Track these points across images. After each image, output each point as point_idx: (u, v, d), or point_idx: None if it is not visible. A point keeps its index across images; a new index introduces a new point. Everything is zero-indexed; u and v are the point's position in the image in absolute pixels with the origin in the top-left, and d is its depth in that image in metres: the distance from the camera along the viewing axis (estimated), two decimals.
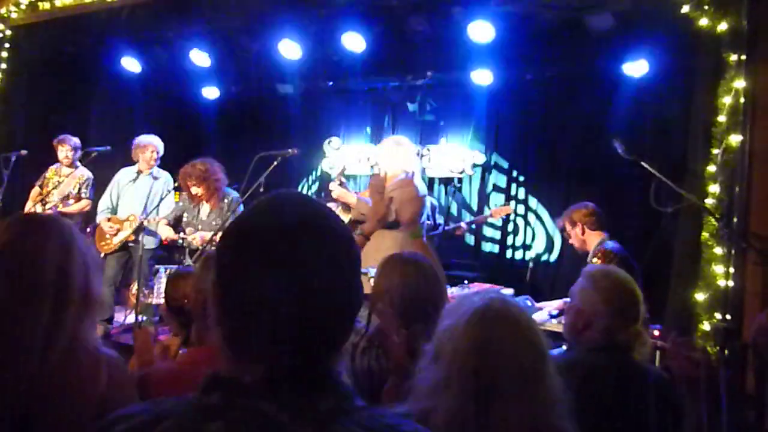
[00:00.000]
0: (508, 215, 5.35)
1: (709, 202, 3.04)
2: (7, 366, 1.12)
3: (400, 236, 3.59)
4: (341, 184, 3.94)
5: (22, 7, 4.98)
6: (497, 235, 6.09)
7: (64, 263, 1.20)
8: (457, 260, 5.60)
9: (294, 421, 0.70)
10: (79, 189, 5.09)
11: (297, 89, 6.66)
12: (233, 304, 0.75)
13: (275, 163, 3.79)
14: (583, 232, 3.49)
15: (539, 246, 5.88)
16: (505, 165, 6.18)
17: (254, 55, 5.60)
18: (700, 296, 3.01)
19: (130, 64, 5.80)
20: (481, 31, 4.50)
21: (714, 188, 3.06)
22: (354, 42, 4.92)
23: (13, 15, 5.02)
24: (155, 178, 5.06)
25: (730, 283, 2.92)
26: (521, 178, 6.06)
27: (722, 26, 3.05)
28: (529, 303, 3.82)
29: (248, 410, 0.70)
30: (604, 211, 3.60)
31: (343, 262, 0.77)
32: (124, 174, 5.11)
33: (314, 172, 7.23)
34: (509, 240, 6.04)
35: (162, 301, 2.42)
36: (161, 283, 3.84)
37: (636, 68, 4.78)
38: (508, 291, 4.15)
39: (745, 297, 2.90)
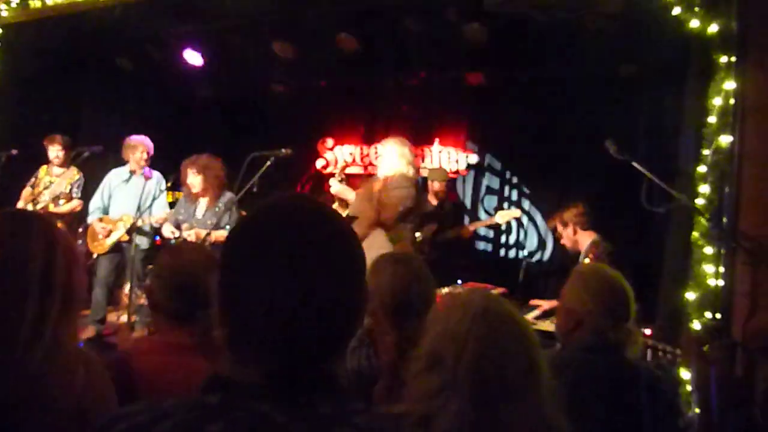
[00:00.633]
0: (516, 219, 5.38)
1: (700, 202, 3.06)
2: None
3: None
4: (341, 180, 3.94)
5: (13, 5, 4.94)
6: (490, 233, 6.11)
7: (49, 260, 1.20)
8: (449, 259, 5.60)
9: (293, 422, 0.70)
10: (71, 189, 5.06)
11: (290, 88, 6.65)
12: (234, 305, 0.75)
13: (268, 162, 3.79)
14: (575, 233, 3.52)
15: (531, 247, 5.91)
16: (498, 165, 6.20)
17: (247, 54, 5.59)
18: (690, 295, 3.03)
19: (123, 63, 5.78)
20: (474, 31, 4.52)
21: (704, 188, 3.08)
22: (348, 42, 4.92)
23: (4, 13, 4.98)
24: (147, 178, 5.04)
25: (720, 283, 2.94)
26: (514, 180, 6.08)
27: (712, 28, 3.07)
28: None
29: (248, 411, 0.71)
30: (596, 212, 3.63)
31: (346, 265, 0.77)
32: (116, 174, 5.08)
33: (308, 172, 7.22)
34: (503, 239, 6.07)
35: None
36: None
37: (628, 69, 4.82)
38: (501, 290, 4.16)
39: (734, 296, 2.92)
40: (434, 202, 5.29)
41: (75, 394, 1.17)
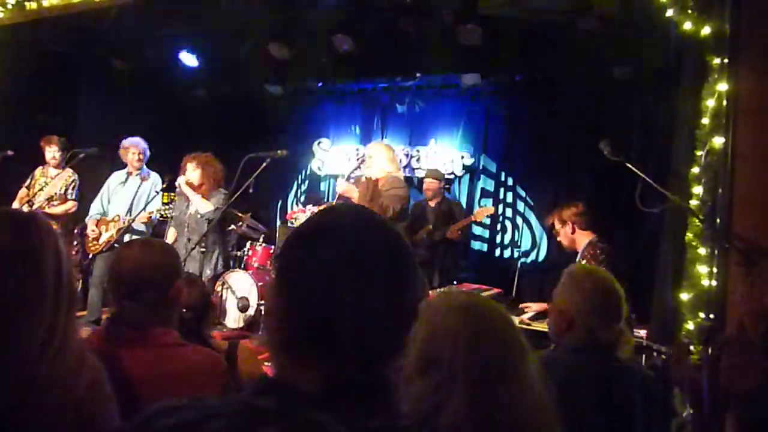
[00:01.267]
0: (491, 215, 5.41)
1: (693, 203, 3.07)
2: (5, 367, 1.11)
3: None
4: (348, 179, 3.95)
5: (9, 6, 4.94)
6: (486, 233, 6.14)
7: (59, 261, 1.20)
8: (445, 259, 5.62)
9: None
10: (65, 190, 5.06)
11: (286, 90, 6.66)
12: (296, 312, 0.75)
13: (264, 164, 3.79)
14: (573, 231, 3.50)
15: (525, 248, 5.93)
16: (494, 166, 6.22)
17: (243, 55, 5.59)
18: (684, 296, 3.05)
19: (119, 64, 5.78)
20: (469, 33, 4.53)
21: (698, 190, 3.09)
22: (343, 43, 4.93)
23: (0, 14, 4.98)
24: (143, 179, 5.04)
25: (714, 283, 2.95)
26: (509, 181, 6.10)
27: (705, 30, 3.09)
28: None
29: (303, 418, 0.70)
30: (591, 213, 3.63)
31: (403, 271, 0.77)
32: (115, 177, 5.11)
33: (303, 173, 7.23)
34: (497, 238, 6.09)
35: None
36: None
37: (622, 71, 4.84)
38: (496, 291, 4.18)
39: (727, 296, 2.94)
40: (432, 203, 5.30)
41: (77, 396, 1.17)
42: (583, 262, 3.38)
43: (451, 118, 6.41)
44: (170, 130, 6.51)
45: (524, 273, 5.52)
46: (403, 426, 0.76)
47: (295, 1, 4.75)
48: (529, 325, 3.40)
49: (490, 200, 6.12)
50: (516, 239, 6.00)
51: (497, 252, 6.10)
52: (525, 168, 6.01)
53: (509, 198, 6.09)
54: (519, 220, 6.01)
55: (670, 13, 3.22)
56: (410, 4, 4.41)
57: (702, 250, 3.02)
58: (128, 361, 1.49)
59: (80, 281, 5.31)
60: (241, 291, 5.22)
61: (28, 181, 5.12)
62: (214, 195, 4.49)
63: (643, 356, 2.91)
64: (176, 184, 4.42)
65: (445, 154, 6.34)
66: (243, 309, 5.12)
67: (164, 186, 4.86)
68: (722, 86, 3.02)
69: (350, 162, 6.70)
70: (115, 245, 4.89)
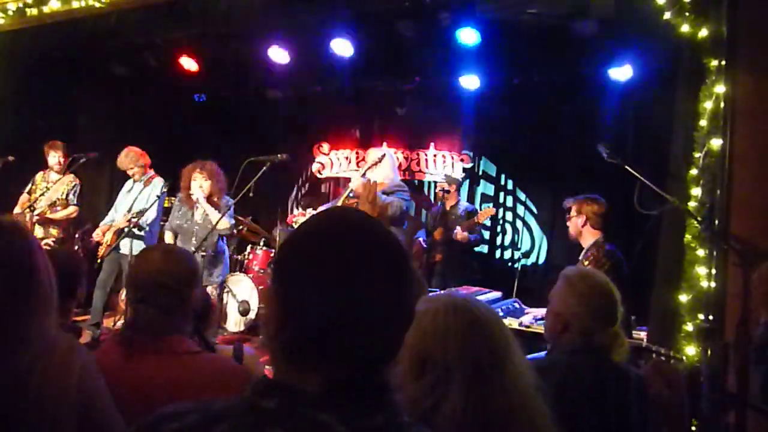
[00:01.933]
0: (492, 216, 5.48)
1: (692, 204, 3.09)
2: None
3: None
4: (363, 176, 3.97)
5: (10, 12, 4.97)
6: (486, 234, 6.15)
7: (46, 264, 1.23)
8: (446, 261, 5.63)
9: None
10: (67, 195, 5.08)
11: (286, 94, 6.68)
12: (295, 314, 0.75)
13: (264, 168, 3.81)
14: (584, 225, 3.47)
15: (525, 250, 5.94)
16: (493, 169, 6.23)
17: (243, 59, 5.61)
18: (683, 297, 3.05)
19: (119, 69, 5.80)
20: (468, 36, 4.55)
21: (696, 191, 3.11)
22: (342, 47, 4.95)
23: (0, 21, 5.00)
24: (146, 185, 5.05)
25: (712, 284, 2.96)
26: (509, 184, 6.11)
27: (703, 33, 3.10)
28: (517, 305, 3.85)
29: (307, 419, 0.71)
30: (610, 215, 3.59)
31: (401, 273, 0.78)
32: (126, 184, 5.15)
33: (303, 176, 7.25)
34: (498, 240, 6.10)
35: None
36: None
37: (621, 73, 4.85)
38: (497, 294, 4.18)
39: (726, 298, 2.95)
40: (448, 205, 5.42)
41: (71, 386, 1.18)
42: (586, 262, 3.36)
43: (450, 121, 6.42)
44: (170, 135, 6.53)
45: (524, 275, 5.53)
46: (404, 423, 0.76)
47: (295, 5, 4.77)
48: (528, 327, 3.41)
49: (491, 204, 6.13)
50: (516, 242, 6.02)
51: (497, 254, 6.11)
52: (524, 169, 6.02)
53: (509, 202, 6.10)
54: (519, 224, 6.02)
55: (667, 15, 3.23)
56: (409, 7, 4.42)
57: (700, 252, 3.03)
58: (145, 370, 1.47)
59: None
60: (241, 294, 5.23)
61: (29, 186, 5.14)
62: (223, 206, 4.48)
63: (644, 358, 2.91)
64: (194, 198, 4.36)
65: (445, 157, 6.36)
66: (244, 312, 5.13)
67: (165, 190, 4.86)
68: (719, 88, 3.04)
69: (351, 165, 6.73)
70: (120, 249, 4.90)
